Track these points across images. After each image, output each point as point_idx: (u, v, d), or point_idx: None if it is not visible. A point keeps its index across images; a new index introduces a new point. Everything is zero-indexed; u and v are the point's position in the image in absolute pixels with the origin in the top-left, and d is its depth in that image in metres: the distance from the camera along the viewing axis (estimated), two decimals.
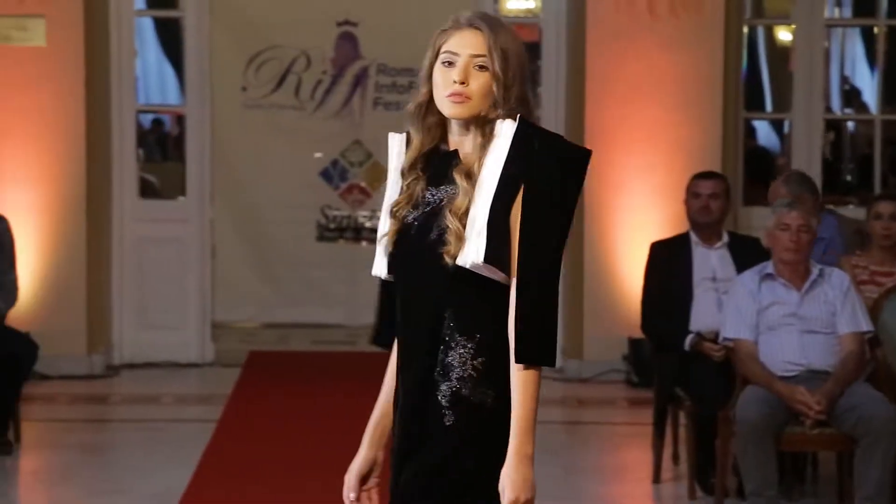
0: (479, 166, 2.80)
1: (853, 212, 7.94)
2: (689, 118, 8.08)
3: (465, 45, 2.82)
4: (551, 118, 8.52)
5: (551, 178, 2.78)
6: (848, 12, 11.49)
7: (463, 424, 2.80)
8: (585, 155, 2.83)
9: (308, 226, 9.23)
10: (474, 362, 2.80)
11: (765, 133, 11.73)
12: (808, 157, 8.40)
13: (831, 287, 5.54)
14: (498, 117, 2.80)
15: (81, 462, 6.39)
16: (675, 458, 6.34)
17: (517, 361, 2.76)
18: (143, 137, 9.36)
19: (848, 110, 12.46)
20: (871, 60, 11.49)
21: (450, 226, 2.78)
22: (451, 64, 2.81)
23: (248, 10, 9.06)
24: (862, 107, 12.03)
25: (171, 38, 9.87)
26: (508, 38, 2.83)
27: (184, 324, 8.30)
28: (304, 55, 9.17)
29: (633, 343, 7.88)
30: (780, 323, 5.51)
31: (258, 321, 9.28)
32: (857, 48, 12.64)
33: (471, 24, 2.83)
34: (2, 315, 6.72)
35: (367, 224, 9.26)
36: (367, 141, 9.26)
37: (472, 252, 2.75)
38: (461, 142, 2.86)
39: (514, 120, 2.80)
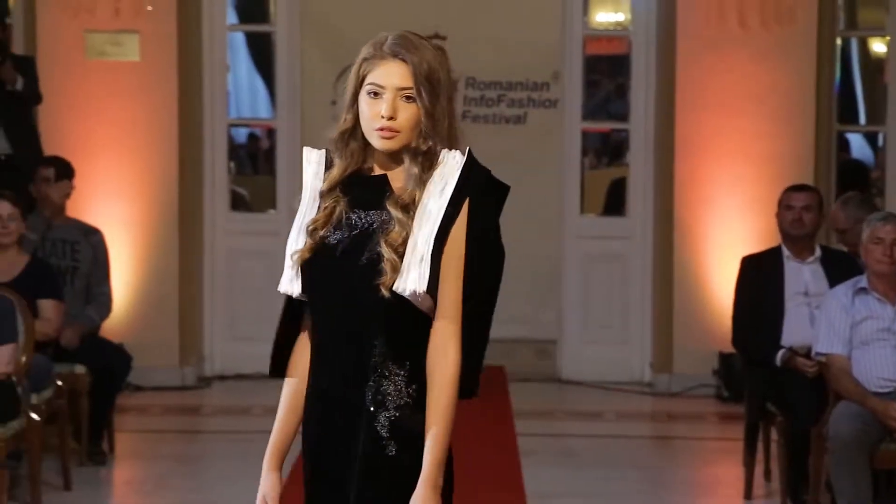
0: (420, 195, 2.77)
1: None
2: (780, 131, 8.00)
3: (390, 77, 2.78)
4: (640, 131, 8.49)
5: (491, 215, 2.83)
6: None
7: (406, 454, 2.78)
8: (506, 190, 2.87)
9: None
10: (409, 390, 2.79)
11: (858, 146, 11.56)
12: None
13: None
14: (432, 147, 2.79)
15: (174, 472, 6.45)
16: (767, 474, 6.28)
17: (463, 397, 2.78)
18: (233, 151, 9.44)
19: None
20: None
21: (385, 255, 2.74)
22: (376, 95, 2.79)
23: (338, 24, 9.11)
24: None
25: (262, 53, 9.93)
26: (431, 58, 2.79)
27: (273, 335, 8.34)
28: None
29: (724, 357, 7.82)
30: (874, 338, 5.44)
31: None
32: None
33: (395, 55, 2.78)
34: (96, 327, 6.81)
35: None
36: None
37: (412, 281, 2.74)
38: (388, 167, 2.83)
39: (460, 152, 2.80)
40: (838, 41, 8.57)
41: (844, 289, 5.56)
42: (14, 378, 5.61)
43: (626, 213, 8.70)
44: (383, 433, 2.78)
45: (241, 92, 11.22)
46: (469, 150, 2.81)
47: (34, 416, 5.79)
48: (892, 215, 5.66)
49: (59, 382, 6.21)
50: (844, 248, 6.42)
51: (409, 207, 2.78)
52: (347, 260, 2.79)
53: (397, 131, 2.78)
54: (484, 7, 9.14)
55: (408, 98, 2.78)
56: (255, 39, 10.20)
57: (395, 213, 2.77)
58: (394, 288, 2.73)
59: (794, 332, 5.97)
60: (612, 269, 8.60)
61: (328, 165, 2.89)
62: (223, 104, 8.55)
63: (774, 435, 6.05)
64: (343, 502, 2.82)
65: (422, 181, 2.79)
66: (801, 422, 5.60)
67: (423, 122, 2.78)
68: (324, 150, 2.91)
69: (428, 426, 2.75)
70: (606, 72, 9.96)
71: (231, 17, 9.19)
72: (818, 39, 8.00)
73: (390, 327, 2.78)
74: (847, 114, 10.85)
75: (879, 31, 9.54)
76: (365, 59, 2.82)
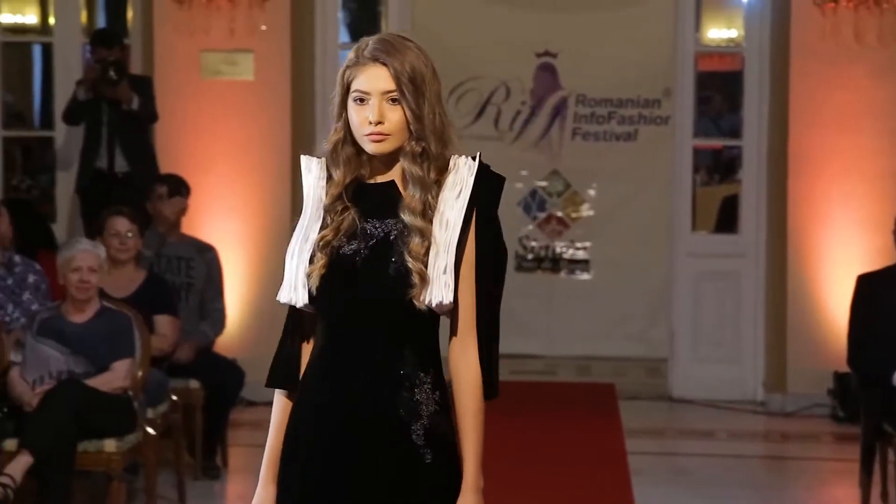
0: (433, 201, 2.78)
1: None
2: None
3: (374, 82, 2.78)
4: (753, 147, 8.41)
5: (496, 219, 2.82)
6: None
7: (441, 460, 2.80)
8: (503, 182, 2.85)
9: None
10: (434, 396, 2.81)
11: None
12: None
13: None
14: (427, 148, 2.78)
15: None
16: (884, 496, 6.17)
17: (486, 398, 2.81)
18: None
19: None
20: None
21: (412, 267, 2.75)
22: (362, 101, 2.79)
23: (448, 42, 9.16)
24: None
25: None
26: (413, 59, 2.79)
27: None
28: (504, 86, 9.23)
29: (839, 377, 7.70)
30: None
31: None
32: None
33: (375, 59, 2.78)
34: (210, 343, 6.90)
35: (566, 255, 9.25)
36: (566, 171, 9.26)
37: (438, 291, 2.75)
38: (388, 172, 2.84)
39: (472, 158, 2.81)
40: None
41: None
42: (131, 393, 5.70)
43: (738, 230, 8.61)
44: (419, 442, 2.79)
45: None
46: (480, 159, 2.83)
47: (150, 430, 5.88)
48: None
49: (174, 397, 6.30)
50: None
51: (425, 213, 2.78)
52: (371, 271, 2.79)
53: (387, 134, 2.79)
54: (595, 24, 9.14)
55: (393, 101, 2.79)
56: None
57: (412, 221, 2.77)
58: (421, 298, 2.75)
59: None
60: (724, 287, 8.51)
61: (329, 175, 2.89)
62: None
63: (891, 456, 5.95)
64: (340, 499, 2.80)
65: (426, 184, 2.79)
66: None
67: (412, 123, 2.79)
68: (322, 159, 2.90)
69: (463, 433, 2.80)
70: (718, 88, 9.89)
71: (343, 36, 9.27)
72: None
73: (417, 337, 2.80)
74: None
75: None
76: (348, 67, 2.83)
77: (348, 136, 2.83)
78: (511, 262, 9.22)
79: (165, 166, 7.72)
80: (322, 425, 2.82)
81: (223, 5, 8.09)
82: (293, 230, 2.89)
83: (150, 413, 5.97)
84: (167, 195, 7.05)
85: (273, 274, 8.12)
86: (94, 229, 6.82)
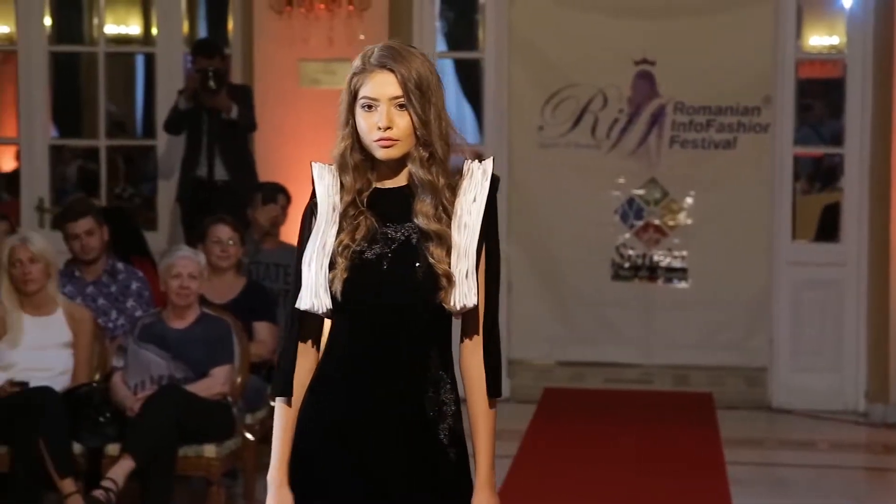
0: (450, 205, 2.84)
1: None
2: None
3: (381, 89, 2.84)
4: (855, 155, 8.31)
5: (496, 221, 2.89)
6: None
7: (463, 459, 2.92)
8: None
9: (603, 264, 9.22)
10: (453, 396, 2.89)
11: None
12: None
13: None
14: (434, 152, 2.84)
15: None
16: None
17: (492, 396, 2.87)
18: None
19: None
20: None
21: (439, 271, 2.81)
22: (370, 107, 2.85)
23: (545, 50, 9.14)
24: None
25: (470, 79, 10.04)
26: (419, 66, 2.85)
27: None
28: (601, 94, 9.19)
29: None
30: None
31: (553, 359, 9.31)
32: None
33: (383, 66, 2.84)
34: None
35: (663, 263, 9.19)
36: (663, 179, 9.20)
37: (462, 295, 2.82)
38: (398, 177, 2.89)
39: (484, 160, 2.89)
40: None
41: None
42: (230, 398, 5.77)
43: (839, 239, 8.51)
44: (445, 441, 2.87)
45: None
46: (493, 159, 2.92)
47: (249, 435, 5.94)
48: None
49: (273, 403, 6.34)
50: None
51: (438, 217, 2.84)
52: (397, 274, 2.84)
53: (396, 139, 2.85)
54: (694, 31, 9.07)
55: (401, 106, 2.85)
56: (464, 66, 10.32)
57: (427, 225, 2.83)
58: (449, 301, 2.82)
59: None
60: (825, 296, 8.42)
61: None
62: None
63: None
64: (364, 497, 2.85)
65: (436, 188, 2.84)
66: None
67: (418, 128, 2.84)
68: (333, 166, 2.96)
69: (477, 432, 2.88)
70: (819, 95, 9.78)
71: (441, 45, 9.31)
72: None
73: (440, 338, 2.87)
74: None
75: None
76: (355, 74, 2.89)
77: (356, 143, 2.90)
78: (607, 271, 9.20)
79: (264, 174, 7.80)
80: (347, 426, 2.86)
81: (322, 15, 8.17)
82: (305, 239, 2.91)
83: (248, 419, 6.03)
84: (261, 202, 7.13)
85: None
86: (195, 237, 6.92)
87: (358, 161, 2.90)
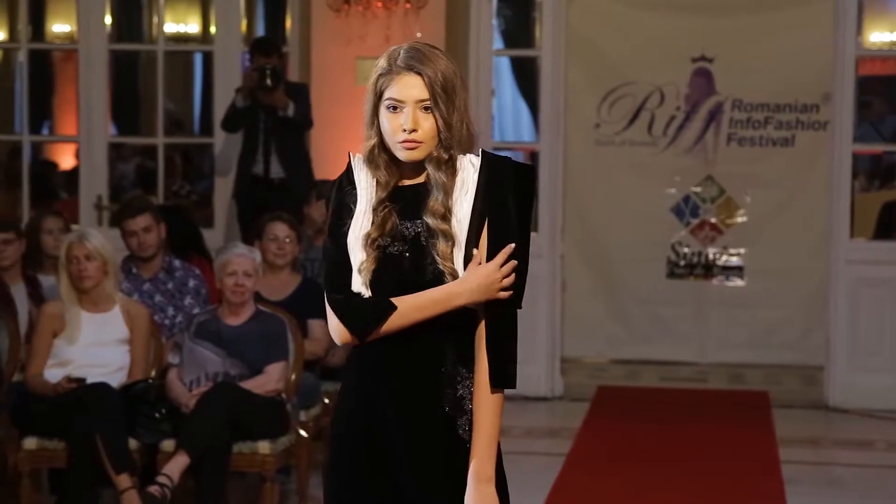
0: (451, 204, 2.87)
1: None
2: None
3: (408, 91, 2.86)
4: None
5: (510, 211, 2.87)
6: None
7: None
8: (530, 171, 2.94)
9: (658, 262, 9.20)
10: (470, 391, 2.89)
11: None
12: None
13: None
14: (453, 155, 2.87)
15: None
16: None
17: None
18: None
19: None
20: None
21: (444, 269, 2.86)
22: (396, 109, 2.86)
23: (603, 47, 9.13)
24: None
25: (527, 77, 10.04)
26: (444, 68, 2.87)
27: (534, 358, 8.40)
28: (658, 91, 9.16)
29: None
30: None
31: (607, 357, 9.30)
32: None
33: (410, 68, 2.86)
34: None
35: (719, 261, 9.15)
36: (720, 177, 9.16)
37: None
38: (418, 176, 2.92)
39: (475, 155, 2.89)
40: None
41: None
42: (284, 395, 5.80)
43: None
44: (466, 437, 2.89)
45: (505, 116, 11.37)
46: (482, 150, 2.92)
47: (302, 432, 5.98)
48: None
49: (326, 400, 6.39)
50: None
51: (446, 217, 2.87)
52: (413, 272, 2.89)
53: (420, 142, 2.88)
54: (752, 28, 9.02)
55: (426, 109, 2.87)
56: (521, 64, 10.32)
57: (435, 224, 2.87)
58: None
59: None
60: (883, 294, 8.35)
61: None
62: (488, 128, 8.67)
63: None
64: (389, 496, 2.90)
65: (448, 189, 2.88)
66: None
67: (442, 131, 2.86)
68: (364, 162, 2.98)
69: (476, 423, 2.87)
70: (879, 92, 9.70)
71: (497, 42, 9.32)
72: None
73: (457, 334, 2.89)
74: None
75: None
76: (381, 75, 2.90)
77: (381, 143, 2.92)
78: (662, 269, 9.18)
79: (320, 172, 7.84)
80: (374, 417, 2.91)
81: (379, 13, 8.20)
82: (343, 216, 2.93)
83: (302, 416, 6.07)
84: (316, 199, 7.17)
85: None
86: (251, 234, 6.97)
87: (385, 161, 2.93)
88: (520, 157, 11.33)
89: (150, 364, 5.94)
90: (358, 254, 2.90)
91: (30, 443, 5.66)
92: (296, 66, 8.40)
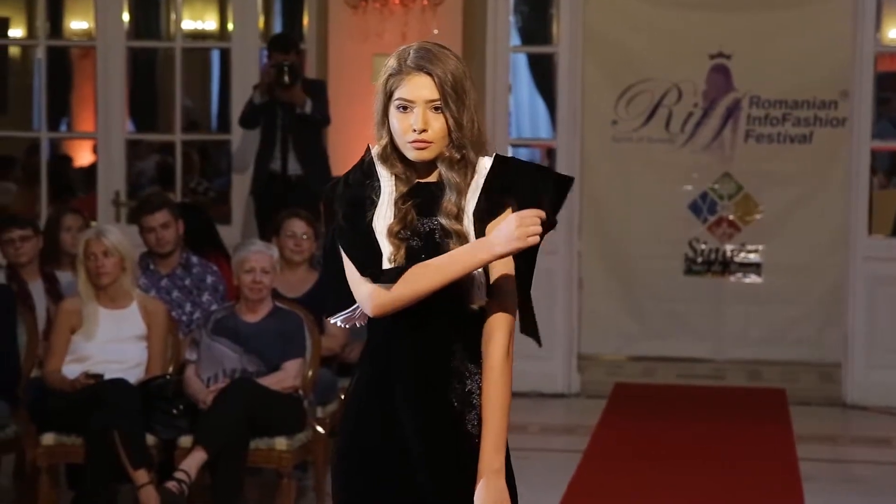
0: (466, 204, 2.89)
1: None
2: None
3: (418, 91, 2.86)
4: None
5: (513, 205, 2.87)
6: None
7: None
8: (568, 182, 3.00)
9: (675, 259, 9.19)
10: (479, 386, 2.91)
11: None
12: None
13: None
14: (466, 155, 2.88)
15: None
16: None
17: (525, 332, 2.90)
18: None
19: None
20: None
21: None
22: (406, 109, 2.87)
23: (620, 44, 9.12)
24: None
25: (544, 73, 10.03)
26: (454, 68, 2.88)
27: (550, 355, 8.38)
28: (676, 88, 9.15)
29: None
30: None
31: (624, 353, 9.29)
32: None
33: (420, 68, 2.86)
34: None
35: (737, 258, 9.14)
36: (738, 173, 9.15)
37: (477, 290, 2.90)
38: (430, 175, 2.93)
39: (489, 156, 2.92)
40: None
41: None
42: (301, 392, 5.81)
43: None
44: (474, 431, 2.90)
45: (522, 113, 11.37)
46: (496, 153, 2.93)
47: (319, 429, 5.99)
48: None
49: (343, 397, 6.40)
50: None
51: (459, 217, 2.88)
52: None
53: (430, 142, 2.88)
54: (770, 25, 9.01)
55: (436, 109, 2.87)
56: (538, 60, 10.32)
57: (449, 224, 2.88)
58: (471, 297, 2.88)
59: None
60: None
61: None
62: (504, 125, 8.66)
63: None
64: (399, 490, 2.90)
65: (461, 189, 2.89)
66: None
67: (453, 131, 2.87)
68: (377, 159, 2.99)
69: (484, 418, 2.87)
70: None
71: (514, 39, 9.31)
72: None
73: (467, 330, 2.91)
74: None
75: None
76: (391, 75, 2.90)
77: (392, 142, 2.93)
78: (679, 266, 9.17)
79: (337, 169, 7.84)
80: (385, 411, 2.92)
81: (396, 10, 8.20)
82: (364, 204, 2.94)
83: (319, 412, 6.08)
84: None
85: None
86: (268, 231, 6.98)
87: (398, 158, 2.94)
88: (536, 154, 11.33)
89: (168, 360, 5.96)
90: (385, 245, 2.91)
91: (48, 438, 5.68)
92: (313, 63, 8.41)
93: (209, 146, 11.14)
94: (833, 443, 7.63)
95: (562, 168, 8.57)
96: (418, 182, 2.94)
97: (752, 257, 9.13)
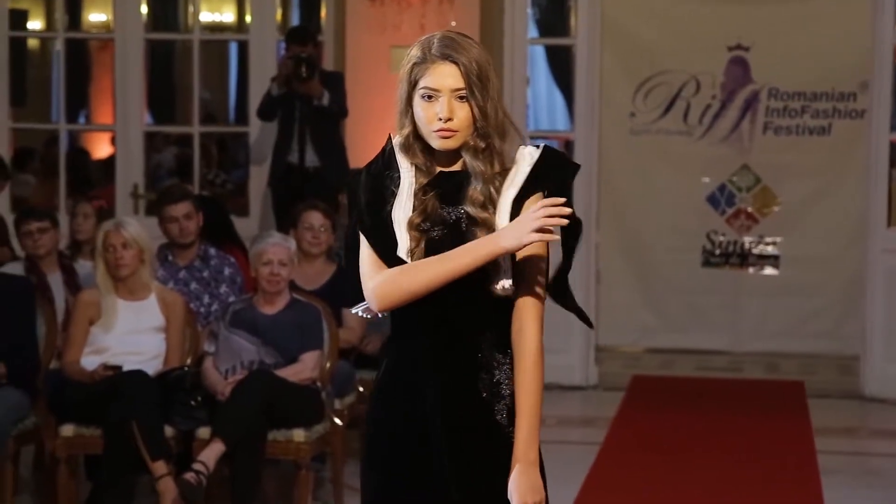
0: (496, 193, 2.87)
1: None
2: None
3: (443, 80, 2.86)
4: None
5: (562, 190, 2.89)
6: None
7: None
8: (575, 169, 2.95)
9: (693, 251, 9.18)
10: (507, 376, 2.90)
11: None
12: None
13: None
14: (491, 143, 2.87)
15: None
16: None
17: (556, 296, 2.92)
18: None
19: None
20: None
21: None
22: (431, 98, 2.86)
23: (638, 36, 9.10)
24: None
25: (561, 66, 10.01)
26: (478, 56, 2.88)
27: (568, 347, 8.38)
28: (694, 80, 9.14)
29: None
30: None
31: (642, 346, 9.29)
32: None
33: (446, 57, 2.85)
34: None
35: (755, 250, 9.12)
36: (756, 166, 9.13)
37: (504, 278, 2.87)
38: (454, 164, 2.92)
39: (535, 147, 2.91)
40: None
41: None
42: (319, 384, 5.82)
43: None
44: (504, 422, 2.90)
45: (539, 105, 11.35)
46: (545, 145, 2.94)
47: (337, 420, 5.99)
48: None
49: (361, 388, 6.40)
50: None
51: (485, 206, 2.87)
52: None
53: (455, 130, 2.88)
54: (788, 16, 8.98)
55: (461, 98, 2.87)
56: (555, 52, 10.30)
57: (476, 213, 2.87)
58: (495, 285, 2.87)
59: None
60: None
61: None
62: (522, 117, 8.66)
63: None
64: (427, 479, 2.90)
65: (487, 177, 2.88)
66: None
67: (478, 119, 2.87)
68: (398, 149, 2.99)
69: (518, 408, 2.87)
70: None
71: (532, 31, 9.30)
72: None
73: (495, 320, 2.89)
74: None
75: None
76: (415, 64, 2.89)
77: (416, 131, 2.92)
78: (697, 258, 9.15)
79: (355, 161, 7.84)
80: (412, 404, 2.91)
81: (414, 2, 8.21)
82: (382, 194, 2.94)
83: (337, 404, 6.08)
84: None
85: None
86: (286, 223, 6.98)
87: (421, 148, 2.94)
88: (555, 146, 11.31)
89: (186, 352, 5.97)
90: (403, 238, 2.90)
91: (67, 430, 5.70)
92: (331, 55, 8.41)
93: (227, 138, 11.16)
94: (851, 435, 7.61)
95: (580, 161, 8.55)
96: (441, 171, 2.94)
97: (771, 249, 9.11)
